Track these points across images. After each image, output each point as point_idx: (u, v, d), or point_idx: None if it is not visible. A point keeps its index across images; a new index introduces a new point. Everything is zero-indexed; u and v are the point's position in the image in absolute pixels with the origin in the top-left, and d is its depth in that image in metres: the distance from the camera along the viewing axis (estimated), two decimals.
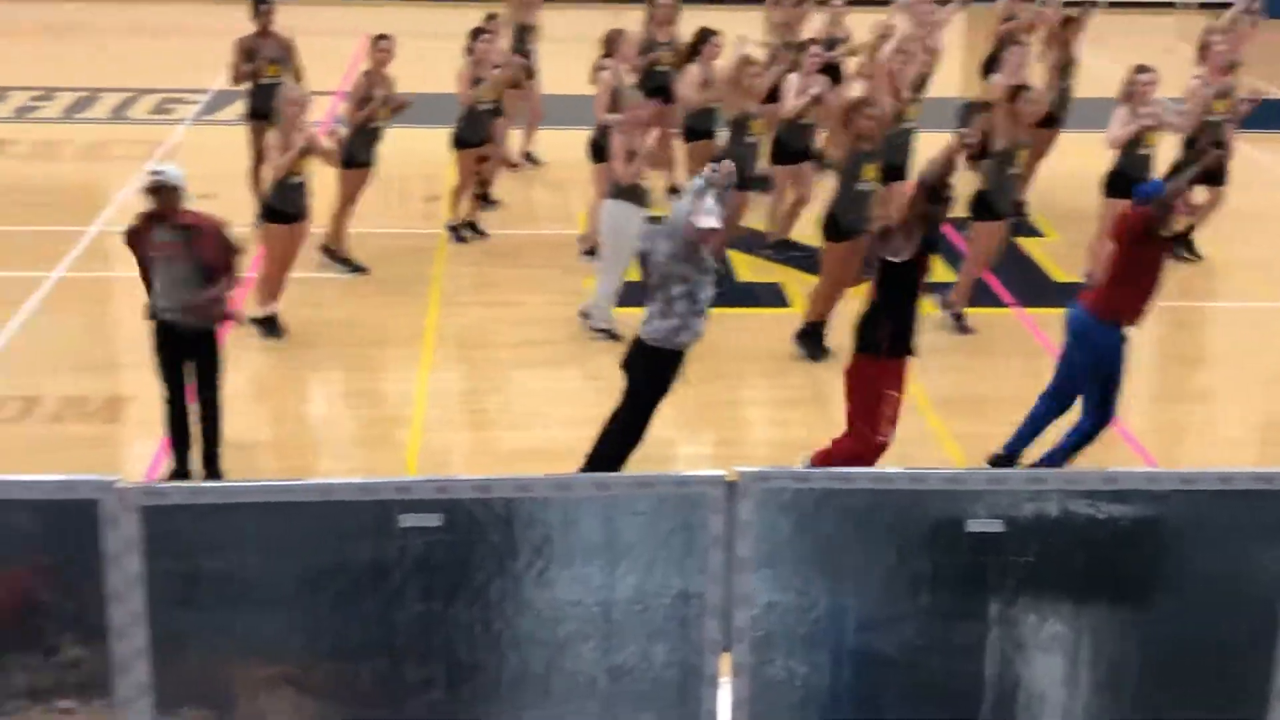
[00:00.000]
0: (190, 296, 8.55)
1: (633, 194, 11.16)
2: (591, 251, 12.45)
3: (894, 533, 4.96)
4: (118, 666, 4.80)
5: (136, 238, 8.67)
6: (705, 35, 13.21)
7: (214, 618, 4.84)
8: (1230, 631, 5.06)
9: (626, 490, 4.92)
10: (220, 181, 14.46)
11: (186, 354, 8.78)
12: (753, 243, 13.24)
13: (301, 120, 10.91)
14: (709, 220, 8.28)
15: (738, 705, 5.01)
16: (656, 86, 13.88)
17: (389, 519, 4.76)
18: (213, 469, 9.04)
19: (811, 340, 11.06)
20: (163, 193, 8.54)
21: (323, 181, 11.81)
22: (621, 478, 4.98)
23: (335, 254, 12.58)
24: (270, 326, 11.20)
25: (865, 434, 8.46)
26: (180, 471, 8.94)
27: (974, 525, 4.93)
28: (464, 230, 13.51)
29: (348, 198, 12.45)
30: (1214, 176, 12.59)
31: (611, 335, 11.17)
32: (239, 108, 16.88)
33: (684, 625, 5.00)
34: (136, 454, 9.34)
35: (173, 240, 8.57)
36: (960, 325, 11.54)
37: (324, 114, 14.10)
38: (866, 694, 5.08)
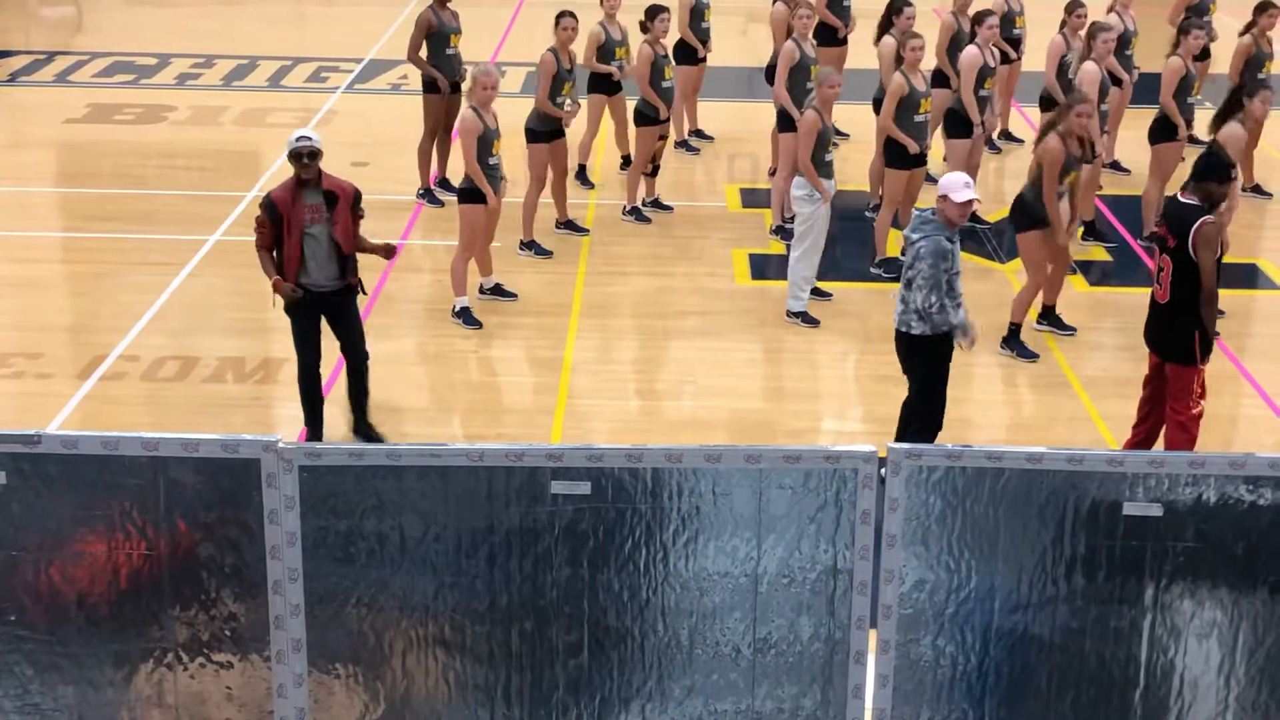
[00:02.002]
0: (333, 261, 8.75)
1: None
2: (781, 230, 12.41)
3: (1048, 513, 4.90)
4: (274, 622, 4.92)
5: (282, 204, 8.79)
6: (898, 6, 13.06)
7: (368, 576, 4.95)
8: None
9: (776, 463, 4.91)
10: (373, 150, 14.73)
11: (329, 317, 8.98)
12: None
13: (492, 101, 10.86)
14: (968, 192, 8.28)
15: (882, 682, 4.99)
16: None
17: (540, 485, 4.82)
18: (368, 431, 9.21)
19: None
20: (311, 158, 8.69)
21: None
22: (772, 450, 4.96)
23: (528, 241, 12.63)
24: (467, 316, 11.17)
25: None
26: (316, 434, 9.15)
27: (1131, 509, 4.84)
28: (647, 209, 13.47)
29: (536, 177, 12.42)
30: None
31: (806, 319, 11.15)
32: (393, 77, 17.13)
33: (831, 601, 4.99)
34: (291, 415, 9.54)
35: (317, 204, 8.73)
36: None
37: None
38: (1015, 675, 5.02)
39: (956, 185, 8.30)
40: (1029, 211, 10.37)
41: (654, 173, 13.43)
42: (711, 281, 12.06)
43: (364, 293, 9.13)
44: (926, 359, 8.51)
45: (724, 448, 4.93)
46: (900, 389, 8.90)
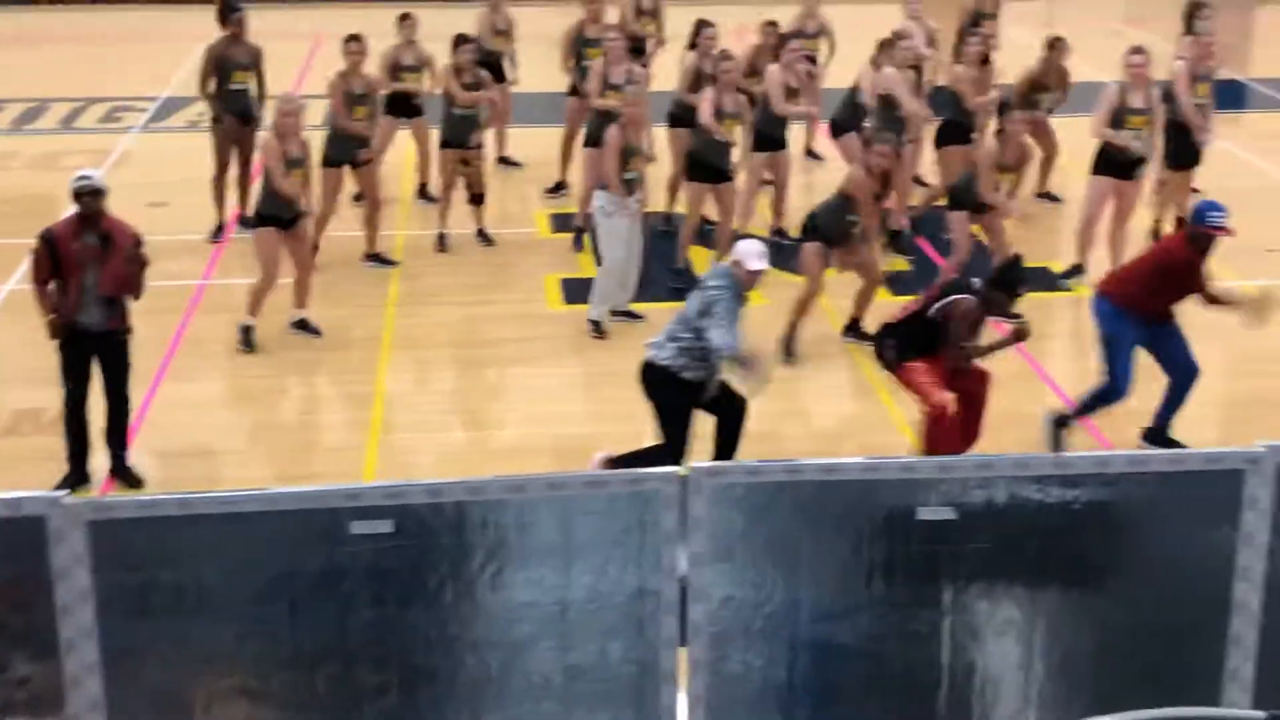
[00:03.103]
0: (100, 303, 8.71)
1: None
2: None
3: (846, 523, 4.97)
4: (69, 682, 4.77)
5: (62, 240, 8.68)
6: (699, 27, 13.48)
7: (166, 630, 4.82)
8: (1182, 613, 5.09)
9: (579, 490, 4.91)
10: (171, 190, 14.42)
11: (97, 355, 8.91)
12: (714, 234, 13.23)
13: (297, 127, 10.93)
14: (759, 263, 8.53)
15: (694, 701, 5.01)
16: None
17: (340, 526, 4.75)
18: (127, 474, 9.15)
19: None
20: (91, 198, 8.61)
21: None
22: (574, 477, 4.96)
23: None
24: (247, 335, 11.17)
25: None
26: (79, 479, 9.02)
27: (925, 513, 4.94)
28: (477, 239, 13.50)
29: (327, 198, 12.44)
30: (1188, 158, 12.78)
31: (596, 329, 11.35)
32: (190, 114, 16.82)
33: (640, 623, 4.99)
34: (97, 465, 9.27)
35: (94, 245, 8.66)
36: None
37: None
38: (824, 685, 5.09)
39: (751, 254, 8.57)
40: (817, 225, 10.90)
41: (478, 201, 13.38)
42: (525, 307, 12.06)
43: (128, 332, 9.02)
44: (674, 394, 8.63)
45: (526, 478, 4.92)
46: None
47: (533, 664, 4.98)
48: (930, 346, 8.95)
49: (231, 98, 13.08)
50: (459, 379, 10.97)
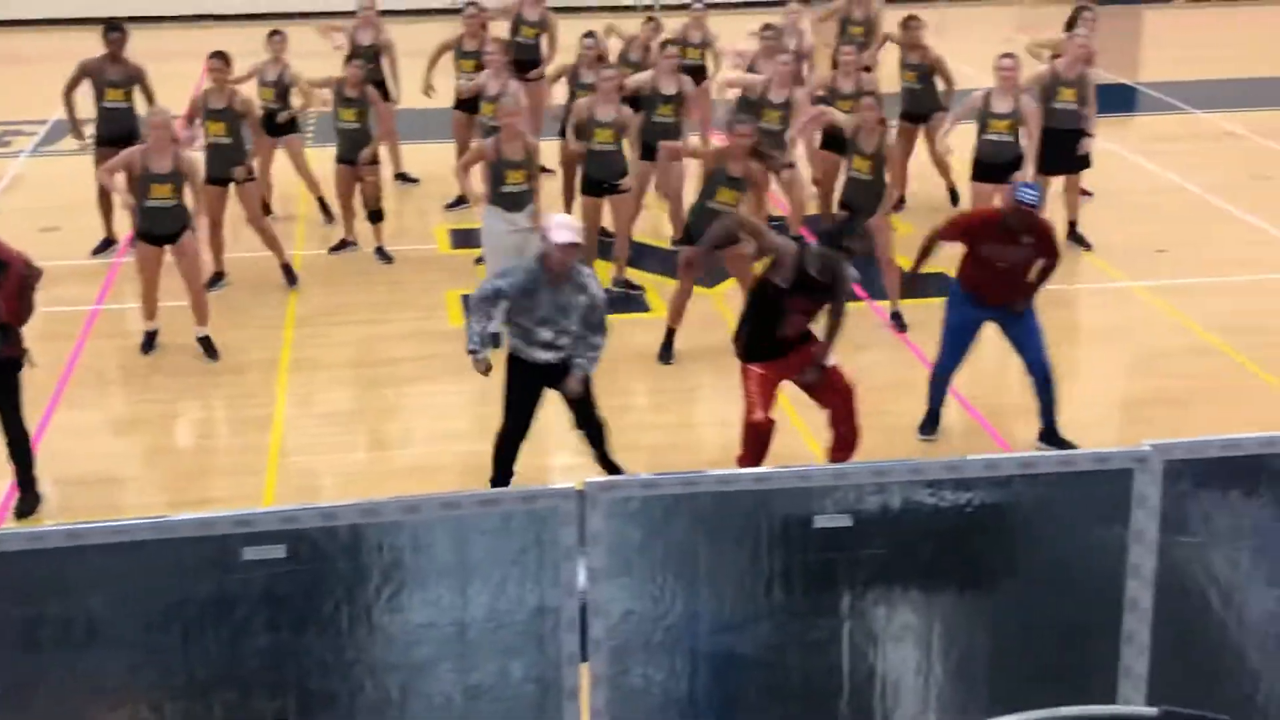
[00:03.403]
0: None
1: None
2: None
3: (743, 533, 4.98)
4: None
5: None
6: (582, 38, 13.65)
7: (57, 662, 4.72)
8: (1076, 612, 5.15)
9: (474, 509, 4.88)
10: (62, 214, 14.19)
11: None
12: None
13: (165, 142, 10.86)
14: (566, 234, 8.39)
15: (596, 716, 5.00)
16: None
17: (232, 552, 4.68)
18: (28, 501, 9.05)
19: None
20: None
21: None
22: (469, 495, 4.93)
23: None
24: (149, 342, 11.26)
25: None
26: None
27: (821, 521, 4.97)
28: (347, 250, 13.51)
29: (212, 215, 12.35)
30: (1062, 163, 12.93)
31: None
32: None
33: (540, 640, 4.97)
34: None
35: None
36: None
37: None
38: (725, 695, 5.10)
39: (556, 225, 8.49)
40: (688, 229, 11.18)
41: (375, 218, 13.30)
42: (426, 324, 12.00)
43: (31, 364, 8.84)
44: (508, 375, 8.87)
45: (421, 498, 4.88)
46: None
47: (433, 685, 4.94)
48: (776, 320, 8.87)
49: (105, 115, 13.03)
50: (359, 399, 10.88)
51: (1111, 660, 5.19)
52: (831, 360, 8.99)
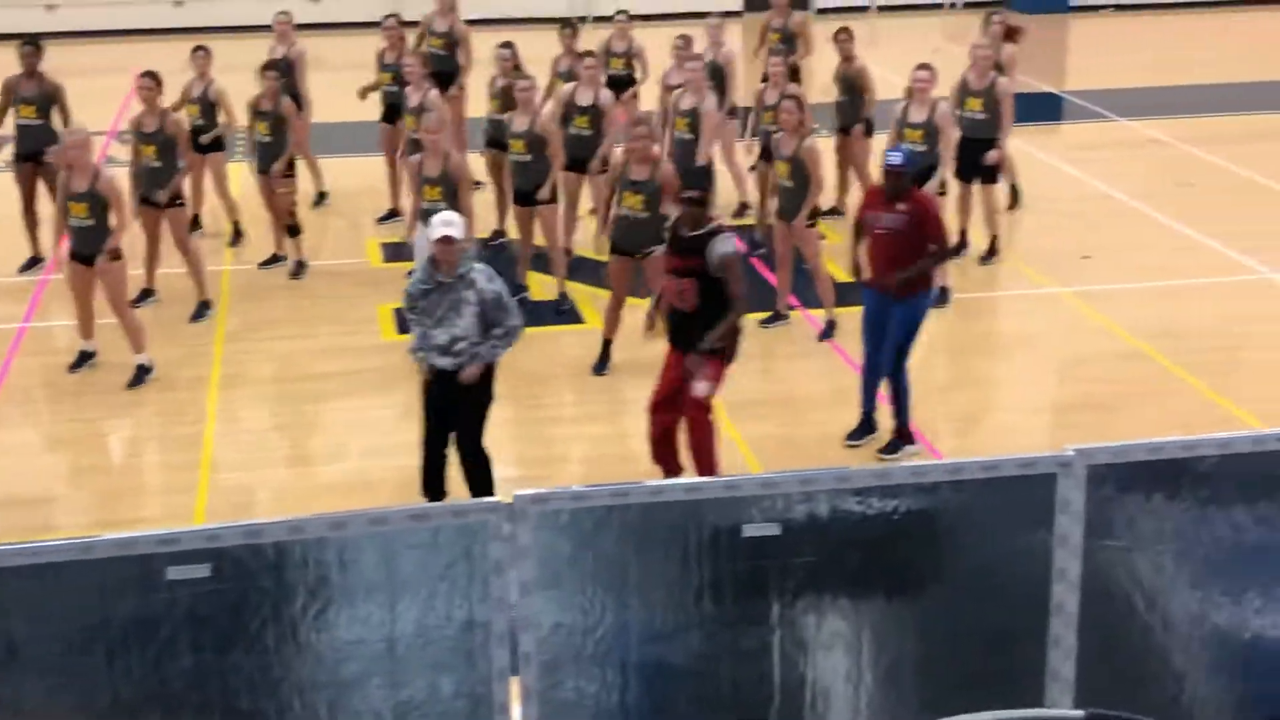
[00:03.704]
0: None
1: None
2: None
3: (673, 544, 4.99)
4: None
5: None
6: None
7: None
8: (1003, 617, 5.19)
9: (402, 524, 4.86)
10: None
11: None
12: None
13: (84, 161, 10.72)
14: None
15: None
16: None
17: (156, 572, 4.63)
18: None
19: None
20: None
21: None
22: (396, 511, 4.90)
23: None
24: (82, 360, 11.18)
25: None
26: None
27: (750, 530, 4.98)
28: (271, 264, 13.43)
29: (148, 236, 12.25)
30: (973, 171, 13.04)
31: None
32: (4, 154, 16.35)
33: (470, 655, 4.95)
34: None
35: None
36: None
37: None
38: (657, 706, 5.09)
39: (434, 223, 8.46)
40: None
41: (291, 232, 13.21)
42: (357, 339, 11.92)
43: None
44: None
45: (348, 514, 4.85)
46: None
47: (362, 703, 4.91)
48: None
49: (19, 132, 13.03)
50: (291, 415, 10.80)
51: (1039, 664, 5.23)
52: (705, 372, 8.87)
